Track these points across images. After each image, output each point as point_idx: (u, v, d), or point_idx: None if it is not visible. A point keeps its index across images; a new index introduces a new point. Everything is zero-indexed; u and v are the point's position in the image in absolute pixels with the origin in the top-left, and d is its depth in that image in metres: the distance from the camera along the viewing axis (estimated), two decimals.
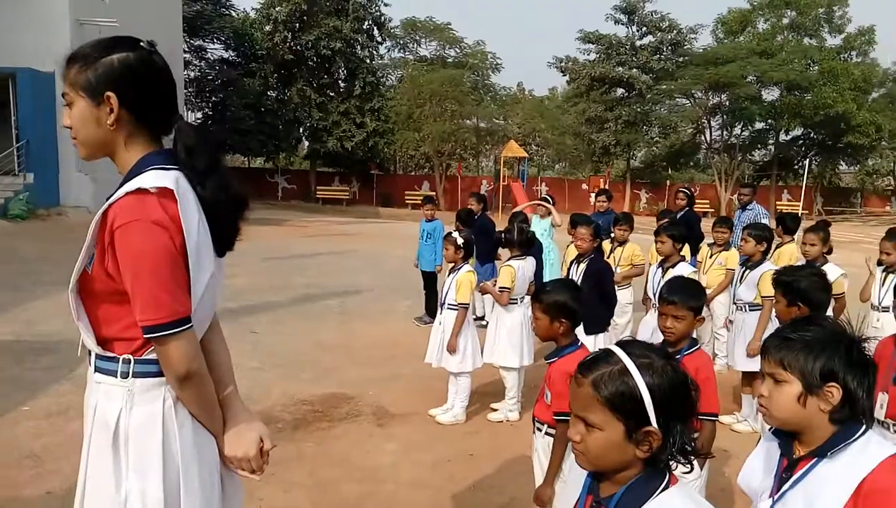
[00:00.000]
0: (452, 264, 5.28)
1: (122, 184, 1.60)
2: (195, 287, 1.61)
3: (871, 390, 1.59)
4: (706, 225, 7.73)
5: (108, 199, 1.58)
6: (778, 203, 31.44)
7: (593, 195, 11.07)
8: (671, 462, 1.35)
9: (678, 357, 2.83)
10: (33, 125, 16.82)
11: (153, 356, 1.61)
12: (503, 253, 6.59)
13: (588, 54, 33.86)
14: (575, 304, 2.93)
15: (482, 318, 7.90)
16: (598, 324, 5.19)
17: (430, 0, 40.99)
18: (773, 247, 6.06)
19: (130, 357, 1.62)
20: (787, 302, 3.04)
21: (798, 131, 34.17)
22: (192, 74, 30.51)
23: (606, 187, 14.28)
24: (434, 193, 28.45)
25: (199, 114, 31.96)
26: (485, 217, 8.14)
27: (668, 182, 33.42)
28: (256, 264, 11.95)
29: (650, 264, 6.25)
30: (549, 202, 8.50)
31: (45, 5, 16.47)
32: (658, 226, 6.28)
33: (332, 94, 32.12)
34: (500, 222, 8.61)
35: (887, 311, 4.69)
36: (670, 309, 2.85)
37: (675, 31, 32.86)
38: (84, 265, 1.60)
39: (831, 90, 29.78)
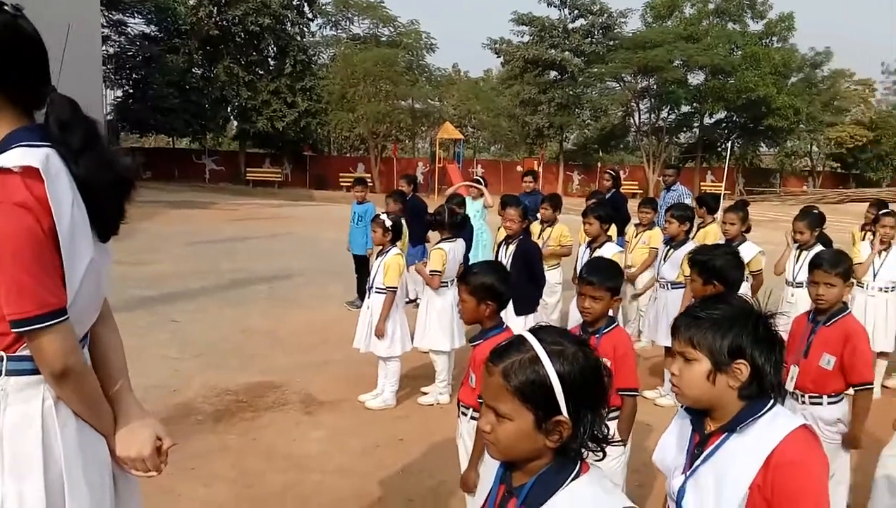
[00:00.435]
0: (381, 247, 5.19)
1: None
2: (71, 274, 1.47)
3: (778, 365, 1.62)
4: (634, 205, 7.89)
5: None
6: (702, 183, 32.59)
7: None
8: (582, 450, 1.33)
9: (597, 335, 2.88)
10: None
11: (28, 352, 1.46)
12: (434, 235, 6.55)
13: (522, 36, 34.02)
14: (502, 287, 2.89)
15: (413, 300, 7.85)
16: (528, 305, 5.23)
17: None
18: (697, 226, 6.24)
19: (3, 354, 1.47)
20: (702, 281, 3.10)
21: (721, 114, 35.41)
22: (110, 50, 28.89)
23: (539, 169, 14.45)
24: (368, 175, 28.08)
25: (119, 92, 30.44)
26: (416, 198, 8.06)
27: (599, 164, 34.10)
28: (180, 249, 11.51)
29: (580, 244, 6.33)
30: (481, 183, 8.49)
31: None
32: (586, 207, 6.36)
33: (261, 73, 31.14)
34: (437, 204, 8.55)
35: (801, 287, 4.89)
36: (588, 290, 2.88)
37: (605, 15, 33.36)
38: None
39: (753, 74, 30.94)
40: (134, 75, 30.01)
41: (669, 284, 5.36)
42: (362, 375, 5.41)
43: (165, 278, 9.08)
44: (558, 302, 6.70)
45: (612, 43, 33.25)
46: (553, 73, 33.99)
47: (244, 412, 4.81)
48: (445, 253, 5.19)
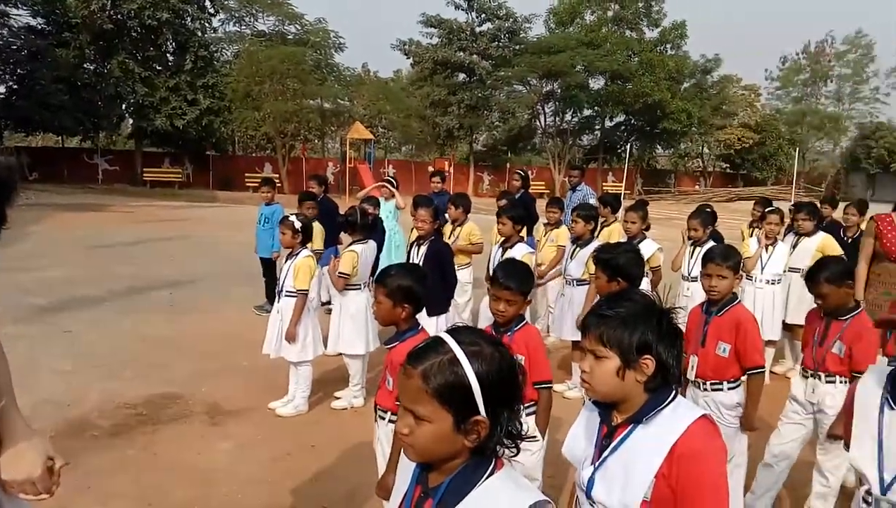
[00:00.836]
0: (290, 249, 5.05)
1: None
2: None
3: (679, 357, 1.69)
4: (542, 205, 8.09)
5: None
6: (604, 184, 33.94)
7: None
8: (498, 448, 1.34)
9: (509, 334, 2.92)
10: None
11: None
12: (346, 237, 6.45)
13: (431, 38, 34.20)
14: (419, 289, 2.88)
15: (328, 303, 7.71)
16: (440, 306, 5.24)
17: None
18: (600, 225, 6.48)
19: None
20: (606, 278, 3.21)
21: (621, 118, 37.06)
22: None
23: (449, 170, 14.54)
24: (276, 175, 27.34)
25: (2, 88, 28.10)
26: (327, 199, 7.91)
27: (508, 165, 34.85)
28: (73, 254, 10.78)
29: (493, 244, 6.42)
30: (392, 184, 8.45)
31: None
32: (498, 207, 6.46)
33: (159, 69, 29.64)
34: (349, 205, 8.42)
35: (696, 281, 5.17)
36: (505, 295, 2.92)
37: (511, 20, 34.04)
38: None
39: (649, 80, 32.57)
40: (19, 70, 27.78)
41: (575, 281, 5.53)
42: (272, 382, 5.26)
43: (57, 285, 8.47)
44: (469, 301, 6.76)
45: (517, 47, 34.01)
46: (462, 76, 34.38)
47: (144, 425, 4.56)
48: (357, 255, 5.11)
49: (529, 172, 9.95)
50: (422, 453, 1.33)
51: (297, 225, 5.00)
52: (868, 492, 1.95)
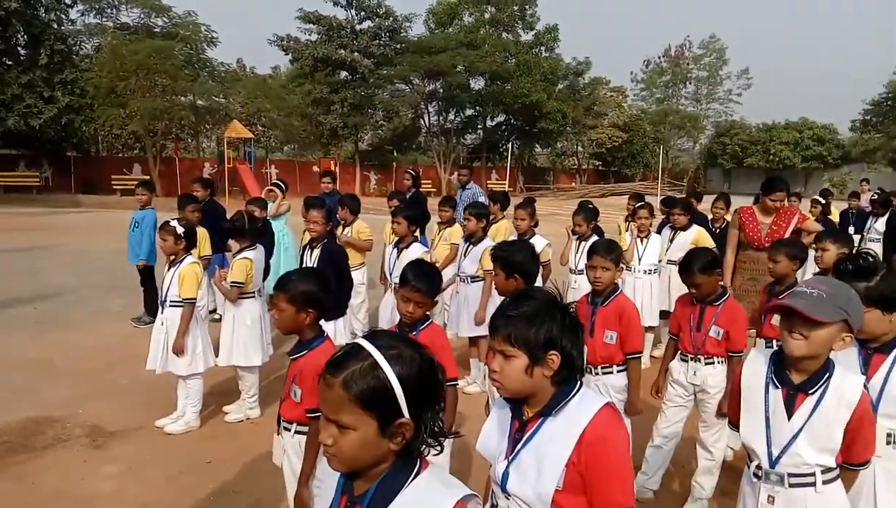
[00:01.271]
0: (173, 256, 4.77)
1: None
2: None
3: (581, 349, 1.77)
4: (432, 204, 8.16)
5: None
6: (488, 182, 34.80)
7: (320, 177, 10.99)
8: (422, 448, 1.35)
9: (415, 333, 2.94)
10: None
11: None
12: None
13: (310, 34, 33.51)
14: (322, 294, 2.81)
15: (214, 311, 7.38)
16: (337, 309, 5.17)
17: None
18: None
19: None
20: (505, 275, 3.31)
21: (501, 118, 38.20)
22: None
23: (335, 170, 14.34)
24: (147, 177, 25.73)
25: None
26: (213, 203, 7.55)
27: (394, 164, 34.88)
28: None
29: (385, 244, 6.40)
30: (280, 188, 8.19)
31: None
32: (392, 207, 6.45)
33: (9, 63, 26.95)
34: (228, 208, 8.08)
35: (583, 274, 5.43)
36: (416, 296, 2.94)
37: (391, 18, 34.05)
38: None
39: (526, 81, 33.79)
40: None
41: (469, 278, 5.63)
42: (157, 398, 4.97)
43: None
44: (363, 302, 6.71)
45: (399, 46, 34.09)
46: (344, 74, 33.95)
47: (17, 454, 4.16)
48: (251, 262, 4.92)
49: (418, 171, 9.99)
50: (348, 462, 1.32)
51: (180, 230, 4.72)
52: (758, 466, 2.15)
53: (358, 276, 6.46)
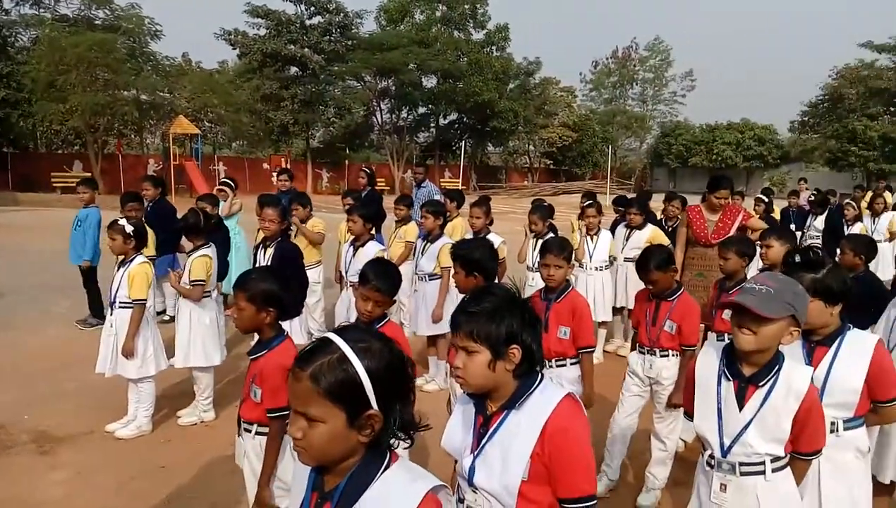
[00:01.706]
0: (123, 256, 4.63)
1: None
2: None
3: (540, 343, 1.81)
4: (387, 202, 8.14)
5: None
6: (442, 180, 34.87)
7: (275, 174, 10.84)
8: (392, 441, 1.37)
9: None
10: None
11: None
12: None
13: (258, 29, 32.88)
14: (282, 292, 2.79)
15: (163, 313, 7.20)
16: (293, 308, 5.11)
17: None
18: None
19: None
20: (465, 273, 3.35)
21: (454, 116, 38.30)
22: None
23: (287, 166, 14.14)
24: (89, 174, 24.81)
25: None
26: (163, 201, 7.34)
27: (347, 162, 34.57)
28: None
29: (340, 243, 6.36)
30: (230, 186, 8.03)
31: None
32: (347, 206, 6.41)
33: None
34: (176, 206, 7.87)
35: (538, 271, 5.51)
36: (375, 295, 2.94)
37: (342, 14, 33.74)
38: None
39: (478, 80, 33.97)
40: None
41: (427, 276, 5.64)
42: (107, 402, 4.82)
43: None
44: (319, 302, 6.64)
45: (350, 42, 33.79)
46: (294, 69, 33.48)
47: None
48: (211, 259, 4.82)
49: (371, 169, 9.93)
50: (317, 455, 1.33)
51: (129, 229, 4.58)
52: (711, 456, 2.23)
53: (314, 275, 6.40)
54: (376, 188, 8.83)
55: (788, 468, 2.17)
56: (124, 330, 4.44)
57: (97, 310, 6.96)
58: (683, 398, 2.44)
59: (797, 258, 2.56)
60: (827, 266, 2.50)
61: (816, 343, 2.49)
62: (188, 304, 4.77)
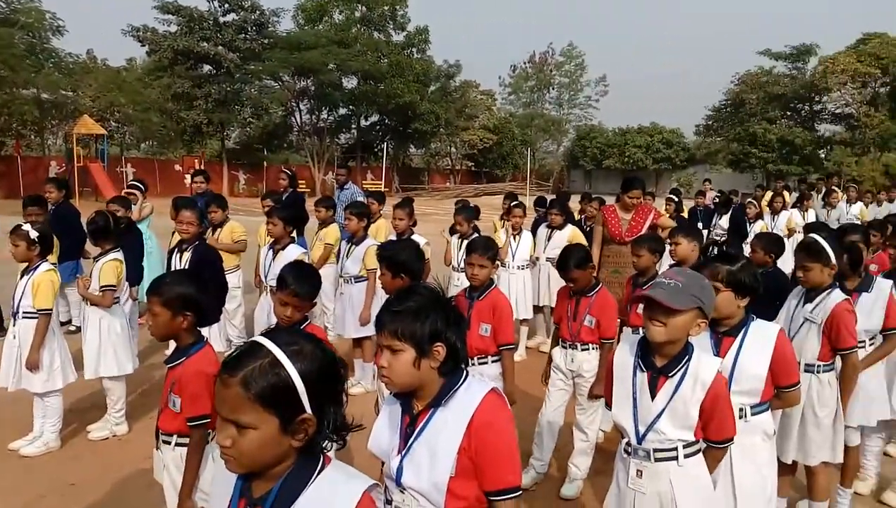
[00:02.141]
0: (26, 263, 4.36)
1: None
2: None
3: (464, 340, 1.85)
4: (309, 205, 8.01)
5: None
6: (364, 182, 34.61)
7: (188, 176, 10.47)
8: (325, 444, 1.36)
9: None
10: None
11: None
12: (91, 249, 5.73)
13: (168, 25, 31.60)
14: (200, 296, 2.70)
15: (69, 323, 6.82)
16: (212, 313, 4.95)
17: None
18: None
19: None
20: (392, 275, 3.36)
21: (375, 118, 38.11)
22: None
23: (202, 168, 13.67)
24: None
25: None
26: (68, 205, 6.95)
27: (265, 163, 33.73)
28: None
29: (260, 246, 6.21)
30: (139, 189, 7.68)
31: None
32: (266, 208, 6.27)
33: None
34: (81, 210, 7.46)
35: (464, 271, 5.58)
36: (294, 300, 2.90)
37: (258, 12, 32.92)
38: None
39: (399, 82, 33.94)
40: None
41: (353, 278, 5.60)
42: (8, 418, 4.54)
43: None
44: (239, 307, 6.46)
45: (267, 41, 33.00)
46: (208, 67, 32.34)
47: None
48: (121, 263, 4.60)
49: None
50: (247, 463, 1.30)
51: (34, 234, 4.32)
52: (628, 443, 2.35)
53: (233, 280, 6.22)
54: (299, 190, 8.69)
55: (700, 454, 2.29)
56: (28, 341, 4.18)
57: None
58: (605, 389, 2.54)
59: (715, 251, 2.73)
60: (741, 261, 2.68)
61: (723, 333, 2.64)
62: (97, 312, 4.53)
